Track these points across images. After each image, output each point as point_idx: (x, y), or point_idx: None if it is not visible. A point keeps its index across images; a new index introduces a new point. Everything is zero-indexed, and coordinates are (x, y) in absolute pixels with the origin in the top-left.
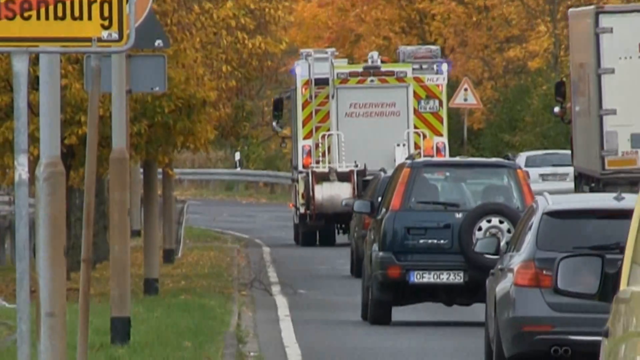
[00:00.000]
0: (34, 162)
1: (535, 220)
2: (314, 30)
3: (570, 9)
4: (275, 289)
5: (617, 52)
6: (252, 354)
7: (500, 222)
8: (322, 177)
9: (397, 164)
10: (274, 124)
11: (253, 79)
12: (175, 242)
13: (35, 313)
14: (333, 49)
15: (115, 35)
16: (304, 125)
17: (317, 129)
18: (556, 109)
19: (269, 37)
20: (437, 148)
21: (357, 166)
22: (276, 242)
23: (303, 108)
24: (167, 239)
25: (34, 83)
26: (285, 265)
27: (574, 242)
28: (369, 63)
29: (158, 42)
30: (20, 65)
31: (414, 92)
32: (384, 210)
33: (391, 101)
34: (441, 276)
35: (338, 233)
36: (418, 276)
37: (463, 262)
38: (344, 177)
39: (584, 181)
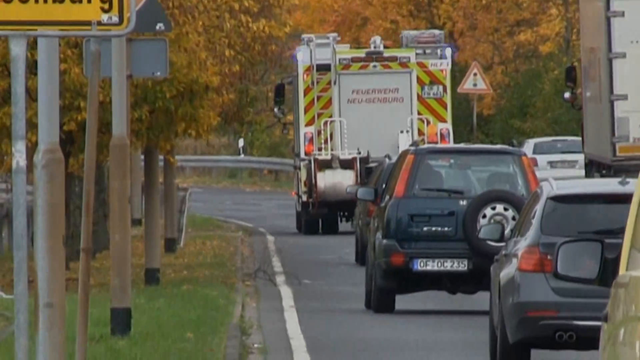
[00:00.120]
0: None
1: (539, 205)
2: (319, 13)
3: None
4: (280, 279)
5: (628, 36)
6: (256, 345)
7: (505, 209)
8: (325, 165)
9: (400, 150)
10: (276, 109)
11: (257, 63)
12: (177, 231)
13: (33, 304)
14: (335, 34)
15: (115, 19)
16: (305, 112)
17: (319, 115)
18: (567, 95)
19: (273, 21)
20: (441, 134)
21: (359, 153)
22: (281, 230)
23: (305, 94)
24: (168, 227)
25: (32, 68)
26: (290, 255)
27: (579, 227)
28: (372, 48)
29: (159, 26)
30: (18, 50)
31: (418, 78)
32: (387, 197)
33: (394, 87)
34: (445, 264)
35: (341, 221)
36: (422, 264)
37: (467, 249)
38: (346, 164)
39: (595, 168)
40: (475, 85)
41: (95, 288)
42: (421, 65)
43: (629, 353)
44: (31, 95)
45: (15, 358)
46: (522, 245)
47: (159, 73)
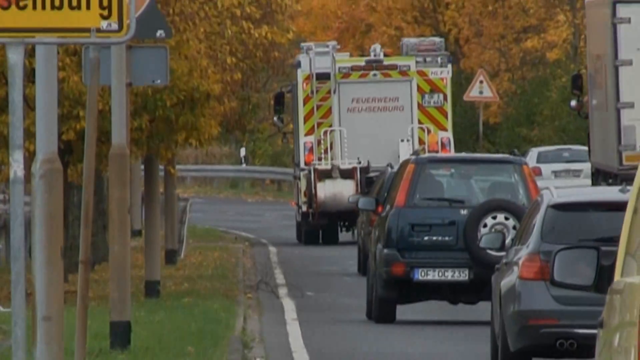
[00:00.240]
0: (30, 159)
1: (540, 213)
2: (322, 19)
3: None
4: (282, 291)
5: (635, 42)
6: (258, 359)
7: (506, 218)
8: (325, 175)
9: (401, 159)
10: (275, 119)
11: (259, 70)
12: (178, 242)
13: (31, 317)
14: (334, 43)
15: (114, 26)
16: (305, 121)
17: (319, 125)
18: (573, 103)
19: (276, 27)
20: (442, 143)
21: (360, 163)
22: (283, 242)
23: (304, 103)
24: (169, 239)
25: (30, 76)
26: (293, 266)
27: (579, 234)
28: (372, 56)
29: (160, 33)
30: (15, 57)
31: (418, 86)
32: (388, 206)
33: (394, 96)
34: (446, 273)
35: (341, 231)
36: (422, 274)
37: (468, 259)
38: (346, 174)
39: (601, 177)
40: (481, 92)
41: (94, 301)
42: (421, 73)
43: (624, 359)
44: (29, 104)
45: None
46: (522, 253)
47: (159, 81)
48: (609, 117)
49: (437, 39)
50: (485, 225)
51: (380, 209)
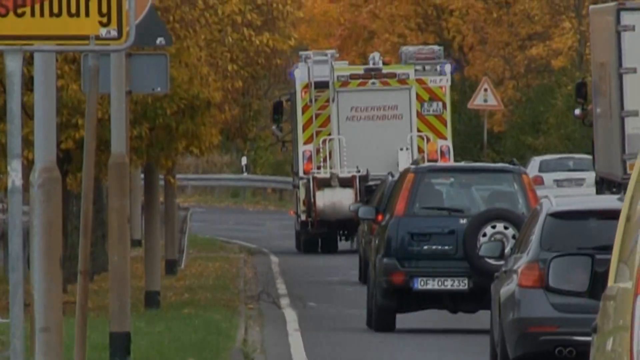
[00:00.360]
0: (28, 168)
1: (539, 221)
2: (324, 26)
3: (591, 6)
4: (284, 301)
5: (639, 50)
6: None
7: (505, 227)
8: (324, 183)
9: (400, 168)
10: (274, 127)
11: (260, 78)
12: (178, 252)
13: (29, 328)
14: (333, 51)
15: (114, 33)
16: (304, 130)
17: (317, 133)
18: (577, 111)
19: (277, 34)
20: (442, 151)
21: (359, 171)
22: (285, 251)
23: (303, 112)
24: (169, 248)
25: (28, 84)
26: (295, 276)
27: (578, 242)
28: (370, 65)
29: (160, 40)
30: (13, 65)
31: (417, 95)
32: (388, 216)
33: (393, 104)
34: (445, 283)
35: (340, 240)
36: (422, 283)
37: (467, 268)
38: (346, 182)
39: (605, 186)
40: (485, 101)
41: (94, 311)
42: (420, 81)
43: None
44: (27, 112)
45: None
46: (522, 261)
47: (159, 89)
48: (613, 126)
49: (436, 47)
50: (484, 235)
51: (380, 217)
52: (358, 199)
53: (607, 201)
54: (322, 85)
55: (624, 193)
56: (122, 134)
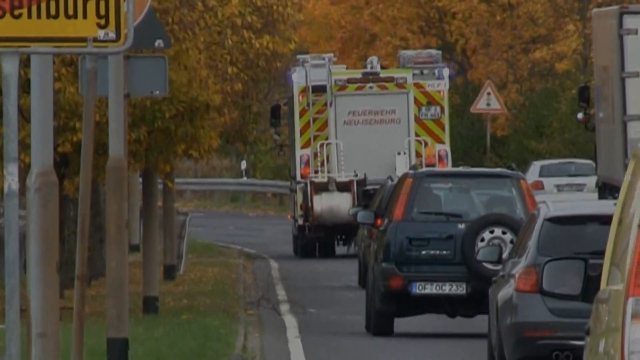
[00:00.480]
0: (25, 171)
1: (536, 226)
2: (325, 29)
3: (594, 10)
4: (284, 307)
5: None
6: None
7: (503, 232)
8: (321, 188)
9: (397, 172)
10: (273, 131)
11: (260, 81)
12: (177, 257)
13: (25, 334)
14: (331, 55)
15: (112, 35)
16: (301, 134)
17: (315, 137)
18: (579, 115)
19: (277, 37)
20: (439, 156)
21: (356, 176)
22: (285, 257)
23: (300, 116)
24: (167, 254)
25: (25, 86)
26: (294, 282)
27: (575, 247)
28: (368, 69)
29: (158, 42)
30: (10, 67)
31: (415, 99)
32: (387, 220)
33: (391, 108)
34: (443, 287)
35: (338, 244)
36: (420, 287)
37: (465, 273)
38: (343, 187)
39: (608, 192)
40: (488, 105)
41: (91, 317)
42: (418, 86)
43: None
44: (24, 115)
45: None
46: (519, 266)
47: (158, 92)
48: (615, 130)
49: (434, 52)
50: (482, 240)
51: (379, 222)
52: (355, 203)
53: (604, 206)
54: (319, 89)
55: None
56: (120, 138)
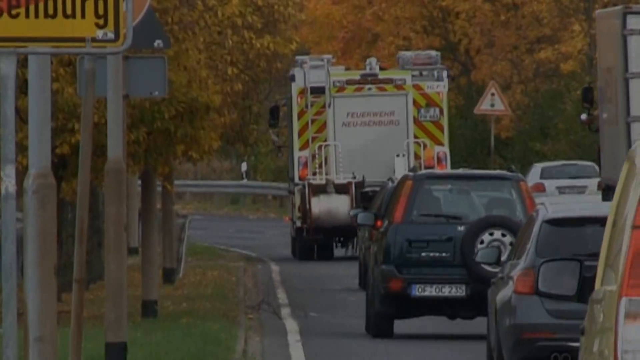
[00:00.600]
0: (22, 173)
1: (535, 228)
2: (327, 29)
3: (598, 10)
4: (285, 311)
5: None
6: None
7: (503, 235)
8: (319, 190)
9: (396, 174)
10: (271, 132)
11: (261, 81)
12: (176, 260)
13: (23, 338)
14: (329, 56)
15: (111, 35)
16: (300, 136)
17: (313, 139)
18: (583, 116)
19: (278, 37)
20: (438, 158)
21: (355, 178)
22: (286, 260)
23: (299, 118)
24: (167, 257)
25: (22, 87)
26: (295, 285)
27: (574, 249)
28: (367, 70)
29: (158, 43)
30: (7, 68)
31: (414, 100)
32: (386, 222)
33: (390, 110)
34: (443, 289)
35: (336, 246)
36: (420, 289)
37: (465, 275)
38: (341, 189)
39: (612, 194)
40: (492, 106)
41: (89, 321)
42: (417, 87)
43: None
44: (21, 117)
45: None
46: (518, 268)
47: (157, 92)
48: (619, 132)
49: (433, 53)
50: (482, 242)
51: (379, 223)
52: (354, 205)
53: (603, 208)
54: (318, 91)
55: None
56: (119, 139)
